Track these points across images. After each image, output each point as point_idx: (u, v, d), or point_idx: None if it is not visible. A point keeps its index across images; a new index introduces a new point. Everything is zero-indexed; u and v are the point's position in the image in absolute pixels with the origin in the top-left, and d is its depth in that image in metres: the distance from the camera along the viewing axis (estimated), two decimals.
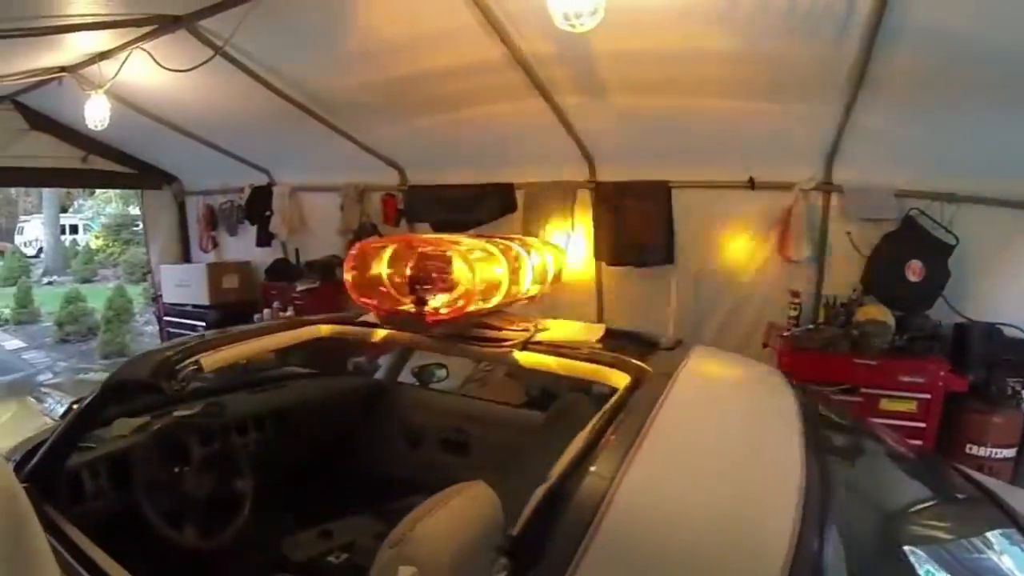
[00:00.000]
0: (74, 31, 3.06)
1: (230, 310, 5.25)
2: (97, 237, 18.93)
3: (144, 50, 3.30)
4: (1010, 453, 3.19)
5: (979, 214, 3.21)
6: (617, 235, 3.81)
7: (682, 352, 1.58)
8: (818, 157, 3.38)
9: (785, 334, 3.38)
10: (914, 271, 3.28)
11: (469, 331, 1.60)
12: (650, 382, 1.28)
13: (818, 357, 3.21)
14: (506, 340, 1.55)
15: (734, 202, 3.60)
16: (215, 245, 6.10)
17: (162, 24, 3.04)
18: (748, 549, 0.82)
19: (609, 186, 3.87)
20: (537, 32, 2.75)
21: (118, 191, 14.37)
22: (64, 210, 21.45)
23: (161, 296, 6.15)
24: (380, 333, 1.69)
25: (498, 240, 1.66)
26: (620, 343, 1.61)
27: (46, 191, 15.93)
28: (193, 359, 1.52)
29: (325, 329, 1.85)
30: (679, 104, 3.17)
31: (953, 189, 3.20)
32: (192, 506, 1.79)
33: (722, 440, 1.16)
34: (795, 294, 3.52)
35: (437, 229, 4.30)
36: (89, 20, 2.96)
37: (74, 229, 20.76)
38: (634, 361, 1.38)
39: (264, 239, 5.35)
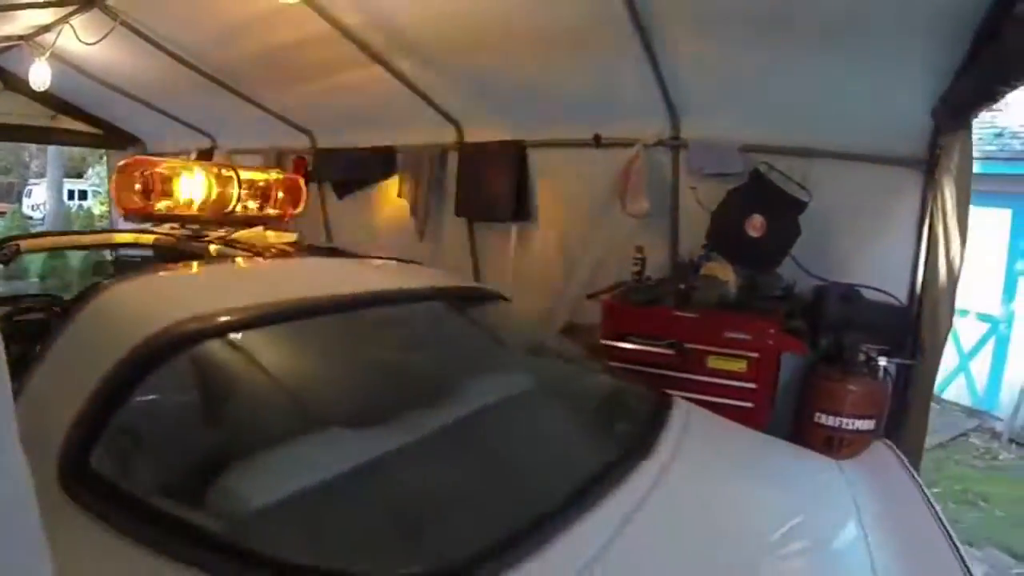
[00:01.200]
0: (20, 9, 4.56)
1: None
2: (101, 203, 21.25)
3: (71, 25, 4.65)
4: (867, 425, 3.47)
5: (838, 170, 3.64)
6: (475, 192, 4.67)
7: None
8: (665, 113, 3.94)
9: (615, 288, 3.94)
10: (754, 226, 3.75)
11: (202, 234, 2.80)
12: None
13: (640, 311, 3.72)
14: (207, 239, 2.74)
15: (585, 160, 4.26)
16: None
17: (80, 4, 4.39)
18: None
19: (471, 147, 4.75)
20: (350, 4, 3.71)
21: None
22: (79, 176, 24.59)
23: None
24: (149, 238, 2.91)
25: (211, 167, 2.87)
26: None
27: (51, 154, 18.85)
28: (16, 242, 2.67)
29: (119, 237, 3.10)
30: (516, 64, 3.91)
31: (807, 143, 3.67)
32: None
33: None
34: (639, 249, 4.00)
35: (337, 187, 5.53)
36: (28, 1, 4.46)
37: (83, 195, 24.04)
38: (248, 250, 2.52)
39: None
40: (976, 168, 6.35)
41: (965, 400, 6.88)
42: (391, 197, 5.12)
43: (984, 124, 7.45)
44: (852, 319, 3.61)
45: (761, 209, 3.76)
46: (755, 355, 3.46)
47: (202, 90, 5.38)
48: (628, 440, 1.83)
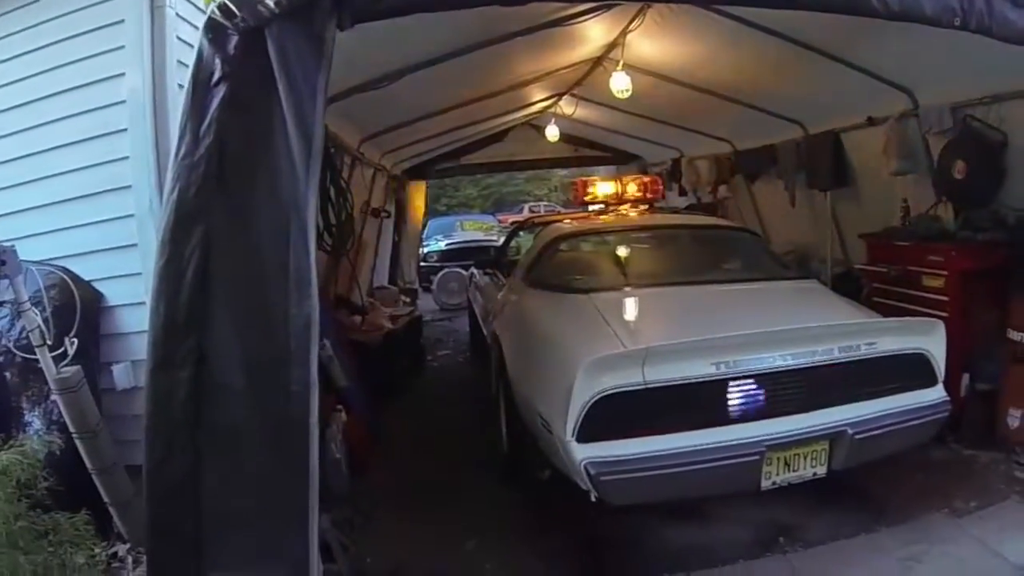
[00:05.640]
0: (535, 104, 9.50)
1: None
2: None
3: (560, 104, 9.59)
4: None
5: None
6: (814, 169, 7.57)
7: None
8: (902, 93, 6.03)
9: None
10: (959, 170, 5.47)
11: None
12: None
13: (881, 244, 6.10)
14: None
15: (870, 136, 6.54)
16: None
17: (561, 94, 8.96)
18: None
19: (812, 138, 7.78)
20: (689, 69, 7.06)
21: None
22: None
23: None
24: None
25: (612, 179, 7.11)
26: None
27: None
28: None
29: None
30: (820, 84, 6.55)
31: (999, 90, 5.08)
32: None
33: None
34: (904, 200, 6.17)
35: (748, 177, 9.40)
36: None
37: None
38: None
39: None
40: None
41: None
42: (775, 180, 8.39)
43: None
44: None
45: (964, 155, 5.50)
46: (945, 273, 5.22)
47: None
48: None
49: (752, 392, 3.60)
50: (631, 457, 3.38)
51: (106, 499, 3.47)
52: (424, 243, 15.98)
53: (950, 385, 4.29)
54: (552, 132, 10.71)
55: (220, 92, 2.55)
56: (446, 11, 3.19)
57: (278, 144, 2.54)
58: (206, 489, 2.59)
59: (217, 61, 2.55)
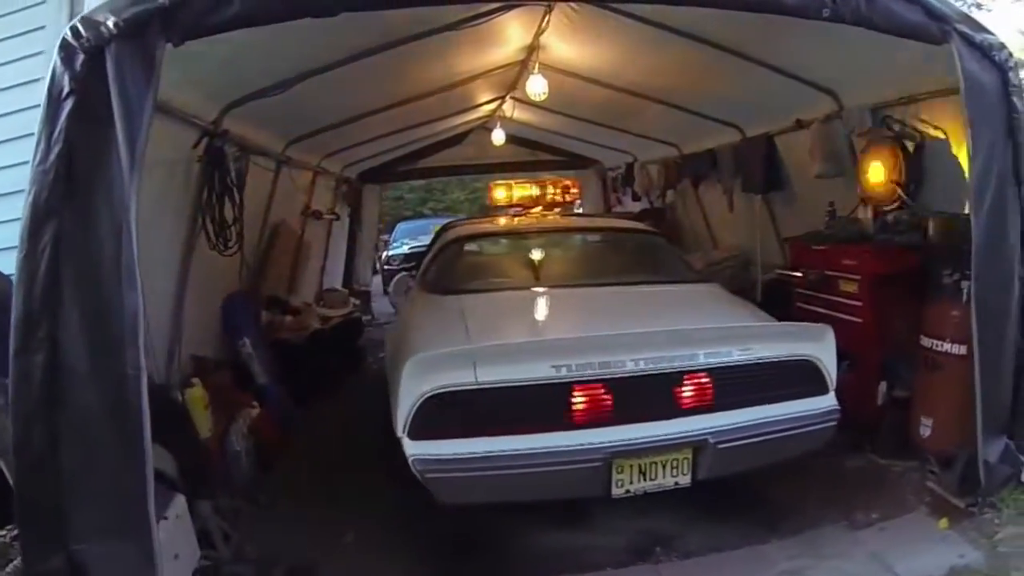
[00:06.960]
0: (478, 107, 9.53)
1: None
2: None
3: (502, 107, 9.75)
4: (959, 350, 4.33)
5: (941, 109, 4.89)
6: (750, 173, 7.65)
7: None
8: (828, 96, 6.03)
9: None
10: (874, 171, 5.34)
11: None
12: None
13: (800, 247, 6.18)
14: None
15: (800, 138, 6.55)
16: None
17: (505, 93, 8.88)
18: None
19: (747, 141, 7.83)
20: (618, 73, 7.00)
21: None
22: None
23: None
24: None
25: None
26: None
27: None
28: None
29: None
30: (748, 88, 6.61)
31: (916, 90, 5.10)
32: None
33: None
34: (830, 203, 6.14)
35: (692, 181, 9.62)
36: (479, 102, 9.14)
37: None
38: None
39: None
40: None
41: None
42: (716, 184, 8.41)
43: None
44: (957, 247, 4.33)
45: (879, 155, 5.47)
46: (859, 277, 5.21)
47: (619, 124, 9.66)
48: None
49: (597, 397, 3.59)
50: (460, 456, 3.45)
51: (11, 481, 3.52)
52: (391, 247, 16.30)
53: (867, 393, 4.46)
54: (498, 136, 10.80)
55: (68, 105, 2.90)
56: (273, 23, 3.32)
57: (113, 153, 2.91)
58: (65, 467, 2.95)
59: (66, 78, 2.88)
